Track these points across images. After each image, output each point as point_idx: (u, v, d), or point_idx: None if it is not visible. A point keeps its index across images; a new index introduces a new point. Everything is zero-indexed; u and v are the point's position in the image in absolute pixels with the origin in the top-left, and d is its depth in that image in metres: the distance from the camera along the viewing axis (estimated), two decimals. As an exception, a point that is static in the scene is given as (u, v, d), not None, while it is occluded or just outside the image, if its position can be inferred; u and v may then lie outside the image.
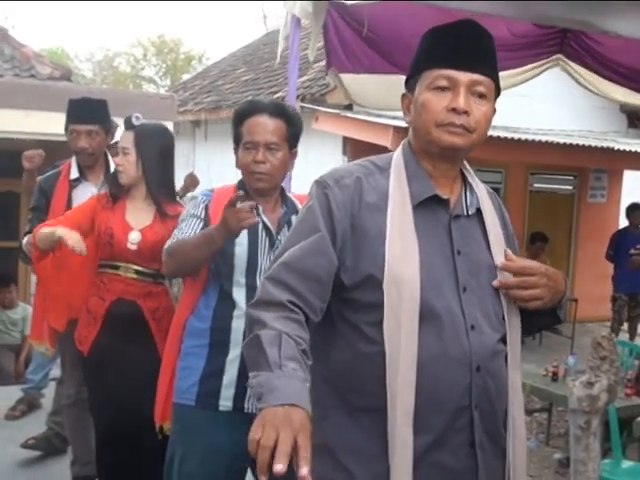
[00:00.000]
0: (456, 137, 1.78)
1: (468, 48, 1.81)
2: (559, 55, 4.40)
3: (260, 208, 2.68)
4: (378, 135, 7.67)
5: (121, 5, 50.75)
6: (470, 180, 1.93)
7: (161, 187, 3.38)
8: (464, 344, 1.75)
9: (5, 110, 6.57)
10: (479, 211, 1.90)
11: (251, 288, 2.59)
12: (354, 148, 8.76)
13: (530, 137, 7.84)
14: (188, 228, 2.67)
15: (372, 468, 1.74)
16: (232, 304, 2.61)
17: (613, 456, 4.32)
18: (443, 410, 1.74)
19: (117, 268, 3.35)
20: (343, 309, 1.80)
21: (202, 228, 2.65)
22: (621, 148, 8.57)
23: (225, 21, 51.70)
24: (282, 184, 2.79)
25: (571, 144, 8.18)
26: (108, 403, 3.34)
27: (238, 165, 2.72)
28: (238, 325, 2.58)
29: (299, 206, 2.74)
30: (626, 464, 4.37)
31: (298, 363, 1.59)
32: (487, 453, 1.81)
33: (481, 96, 1.79)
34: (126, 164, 3.34)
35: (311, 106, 8.49)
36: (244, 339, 1.84)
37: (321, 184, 1.84)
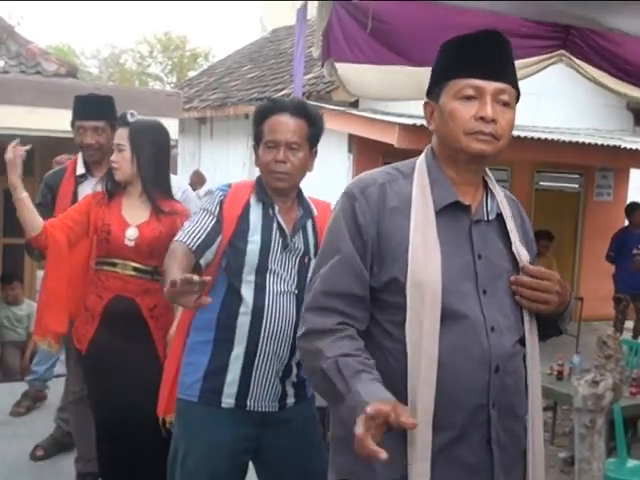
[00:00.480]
0: (484, 144, 1.84)
1: (494, 58, 1.87)
2: (562, 51, 4.37)
3: (276, 208, 2.68)
4: (384, 133, 7.67)
5: (127, 2, 50.79)
6: (491, 186, 1.99)
7: (156, 184, 3.38)
8: (484, 345, 1.82)
9: (11, 106, 6.58)
10: (499, 216, 1.96)
11: (260, 287, 2.61)
12: (359, 145, 8.77)
13: (536, 135, 7.83)
14: (198, 222, 2.65)
15: (392, 463, 1.75)
16: (239, 300, 2.61)
17: (618, 455, 4.31)
18: (462, 408, 1.81)
19: (115, 265, 3.34)
20: (371, 308, 1.87)
21: (214, 226, 2.63)
22: (628, 146, 8.55)
23: (231, 18, 51.71)
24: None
25: (577, 142, 8.17)
26: (107, 401, 3.35)
27: (258, 163, 2.72)
28: (244, 321, 2.60)
29: (315, 212, 2.77)
30: (631, 463, 4.37)
31: (363, 372, 1.72)
32: (505, 450, 1.87)
33: (505, 104, 1.86)
34: (121, 161, 3.34)
35: (316, 103, 8.47)
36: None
37: (347, 195, 1.91)
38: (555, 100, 9.53)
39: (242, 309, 2.61)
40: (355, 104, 9.07)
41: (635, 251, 8.36)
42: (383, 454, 1.51)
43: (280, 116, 2.66)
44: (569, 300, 1.97)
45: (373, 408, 1.55)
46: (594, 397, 3.57)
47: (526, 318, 1.92)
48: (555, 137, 8.16)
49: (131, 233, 3.30)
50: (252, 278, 2.62)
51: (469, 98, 1.84)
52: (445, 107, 1.86)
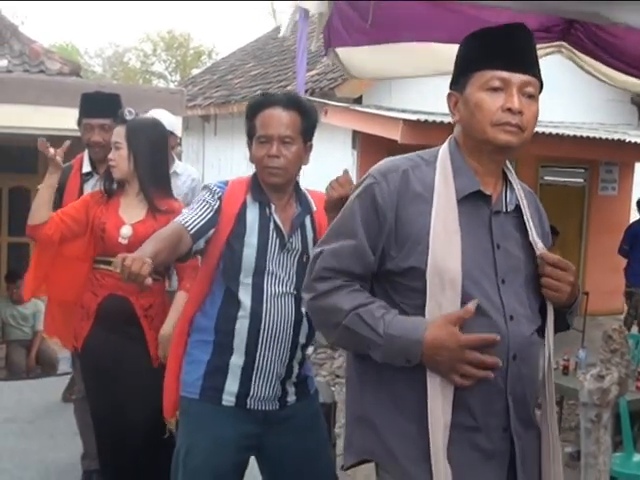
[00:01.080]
0: (511, 136, 1.86)
1: (520, 50, 1.91)
2: (562, 42, 4.34)
3: (272, 207, 2.64)
4: (388, 128, 7.66)
5: (131, 1, 50.79)
6: (510, 178, 2.01)
7: (153, 182, 3.35)
8: (503, 332, 1.83)
9: (15, 105, 6.59)
10: (517, 208, 1.98)
11: (257, 289, 2.60)
12: (363, 142, 8.76)
13: (541, 130, 7.82)
14: (197, 210, 2.61)
15: (411, 447, 1.84)
16: (237, 304, 2.60)
17: (624, 449, 4.31)
18: (481, 394, 1.82)
19: (110, 264, 3.29)
20: (388, 290, 1.90)
21: (212, 217, 2.59)
22: (632, 140, 8.53)
23: (234, 16, 51.69)
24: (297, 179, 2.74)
25: (582, 136, 8.15)
26: (102, 398, 3.36)
27: (251, 159, 2.68)
28: (242, 325, 2.59)
29: (314, 207, 2.73)
30: (637, 457, 4.37)
31: (386, 314, 1.82)
32: (521, 438, 1.90)
33: (530, 96, 1.88)
34: (118, 159, 3.33)
35: (320, 100, 8.48)
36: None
37: (368, 178, 1.94)
38: (559, 95, 9.48)
39: (240, 313, 2.59)
40: (359, 100, 9.06)
41: None
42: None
43: (272, 110, 2.62)
44: (578, 294, 2.01)
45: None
46: (600, 391, 3.57)
47: (548, 307, 1.96)
48: (560, 131, 8.14)
49: (125, 231, 3.29)
50: (249, 281, 2.60)
51: (495, 89, 1.86)
52: (471, 98, 1.88)
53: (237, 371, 2.61)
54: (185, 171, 4.61)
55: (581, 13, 3.94)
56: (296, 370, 2.70)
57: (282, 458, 2.72)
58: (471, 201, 1.91)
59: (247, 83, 12.61)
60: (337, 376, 7.46)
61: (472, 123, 1.89)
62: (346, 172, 2.52)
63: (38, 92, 6.73)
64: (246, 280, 2.60)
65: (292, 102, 2.67)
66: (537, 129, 7.69)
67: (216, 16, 45.03)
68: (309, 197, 2.77)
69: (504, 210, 1.96)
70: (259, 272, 2.60)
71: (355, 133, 8.85)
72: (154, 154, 3.38)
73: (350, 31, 4.26)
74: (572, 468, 4.98)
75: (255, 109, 2.65)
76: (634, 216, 9.29)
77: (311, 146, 2.74)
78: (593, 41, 4.35)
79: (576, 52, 4.41)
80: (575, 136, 8.11)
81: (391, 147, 7.97)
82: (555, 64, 4.76)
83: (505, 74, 1.86)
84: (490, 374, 1.78)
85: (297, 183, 2.76)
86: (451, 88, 1.95)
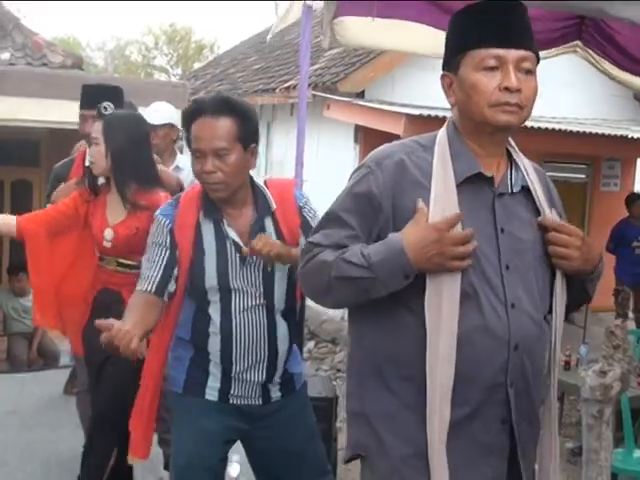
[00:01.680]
0: (511, 116, 1.79)
1: (512, 24, 1.81)
2: (578, 42, 4.36)
3: (225, 223, 2.53)
4: (390, 123, 7.64)
5: (132, -6, 50.72)
6: (515, 157, 1.93)
7: (134, 177, 3.27)
8: (503, 321, 1.78)
9: (18, 98, 6.58)
10: (524, 189, 1.90)
11: (225, 308, 2.53)
12: (366, 136, 8.74)
13: (543, 125, 7.80)
14: (152, 261, 2.54)
15: (405, 437, 1.81)
16: (208, 320, 2.55)
17: (625, 445, 4.31)
18: (479, 385, 1.78)
19: (102, 260, 3.36)
20: None
21: (168, 259, 2.52)
22: (635, 136, 8.51)
23: (236, 10, 51.59)
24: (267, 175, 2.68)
25: (585, 132, 8.13)
26: (96, 389, 3.42)
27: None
28: (214, 341, 2.55)
29: (273, 205, 2.57)
30: (638, 453, 4.36)
31: (361, 246, 1.78)
32: (521, 431, 1.85)
33: (528, 72, 1.80)
34: (96, 154, 3.27)
35: (323, 94, 8.47)
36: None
37: (362, 167, 1.89)
38: (562, 89, 9.47)
39: (211, 329, 2.55)
40: (361, 95, 9.04)
41: (635, 243, 8.33)
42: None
43: (203, 119, 2.43)
44: (598, 262, 1.94)
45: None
46: (602, 387, 3.56)
47: (556, 291, 1.90)
48: (562, 127, 8.12)
49: (107, 235, 3.27)
50: (217, 298, 2.53)
51: (491, 68, 1.78)
52: (466, 79, 1.80)
53: (217, 377, 2.59)
54: (187, 165, 4.61)
55: (586, 9, 3.94)
56: (279, 372, 2.64)
57: (269, 451, 2.70)
58: (472, 184, 1.84)
59: (249, 77, 12.59)
60: (338, 370, 7.48)
61: (469, 105, 1.81)
62: (261, 235, 2.45)
63: (40, 85, 6.72)
64: (214, 298, 2.53)
65: (222, 106, 2.45)
66: (539, 124, 7.72)
67: (218, 9, 44.97)
68: (267, 194, 2.59)
69: (509, 191, 1.88)
70: (224, 291, 2.52)
71: (357, 127, 8.84)
72: (133, 149, 3.29)
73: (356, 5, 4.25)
74: (573, 464, 4.99)
75: (188, 119, 2.47)
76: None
77: (254, 149, 2.53)
78: (604, 38, 4.37)
79: (590, 51, 4.43)
80: (578, 132, 8.09)
81: (393, 141, 7.98)
82: (558, 60, 4.75)
83: (500, 51, 1.77)
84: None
85: (252, 182, 2.59)
86: (444, 69, 1.88)
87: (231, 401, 2.61)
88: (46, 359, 7.36)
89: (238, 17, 49.12)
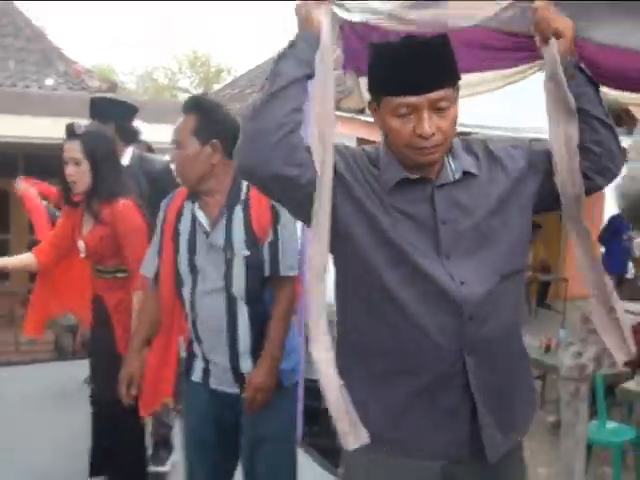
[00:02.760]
0: (429, 156, 1.69)
1: (423, 69, 1.63)
2: (542, 61, 4.32)
3: (196, 205, 2.45)
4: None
5: (159, 25, 50.97)
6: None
7: (105, 191, 3.11)
8: (453, 294, 1.69)
9: (61, 118, 6.61)
10: (467, 174, 1.77)
11: (192, 287, 2.46)
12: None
13: (524, 135, 7.76)
14: (152, 245, 2.62)
15: (377, 405, 1.76)
16: (183, 300, 2.52)
17: (599, 418, 4.31)
18: (435, 355, 1.70)
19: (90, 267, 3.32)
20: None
21: (159, 244, 2.55)
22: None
23: (250, 37, 51.70)
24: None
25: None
26: (92, 390, 3.46)
27: None
28: (190, 319, 2.49)
29: (243, 195, 2.42)
30: (610, 425, 4.37)
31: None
32: (490, 396, 1.75)
33: (443, 109, 1.65)
34: (80, 174, 3.08)
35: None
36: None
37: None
38: (532, 101, 9.39)
39: (187, 309, 2.51)
40: (362, 111, 9.03)
41: (625, 236, 8.37)
42: None
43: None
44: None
45: None
46: (578, 367, 3.57)
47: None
48: (540, 136, 8.08)
49: (80, 245, 3.20)
50: (188, 279, 2.47)
51: (405, 114, 1.65)
52: (384, 120, 1.69)
53: (199, 355, 2.54)
54: None
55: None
56: (245, 359, 2.45)
57: (246, 442, 2.54)
58: (407, 185, 1.73)
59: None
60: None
61: (390, 140, 1.72)
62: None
63: (80, 107, 6.74)
64: (186, 279, 2.48)
65: (189, 104, 2.42)
66: (519, 135, 7.66)
67: (234, 37, 45.03)
68: (243, 186, 2.44)
69: (452, 180, 1.75)
70: (193, 271, 2.45)
71: (359, 140, 8.82)
72: (110, 164, 3.17)
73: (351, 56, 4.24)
74: (554, 435, 4.99)
75: None
76: (608, 208, 9.26)
77: (216, 145, 2.38)
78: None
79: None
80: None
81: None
82: (536, 75, 4.73)
83: (412, 99, 1.63)
84: None
85: (236, 179, 2.43)
86: (370, 94, 1.75)
87: (211, 384, 2.52)
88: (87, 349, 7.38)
89: (252, 44, 49.16)
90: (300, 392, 3.62)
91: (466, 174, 1.77)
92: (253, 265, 2.39)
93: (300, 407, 3.97)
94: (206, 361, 2.52)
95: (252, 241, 2.39)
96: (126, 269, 3.18)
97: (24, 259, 3.38)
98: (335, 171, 1.72)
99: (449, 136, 1.70)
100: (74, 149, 3.08)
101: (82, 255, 3.21)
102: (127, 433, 3.30)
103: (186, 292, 2.49)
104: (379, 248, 1.72)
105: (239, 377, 2.48)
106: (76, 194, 3.17)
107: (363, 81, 4.49)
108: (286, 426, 2.58)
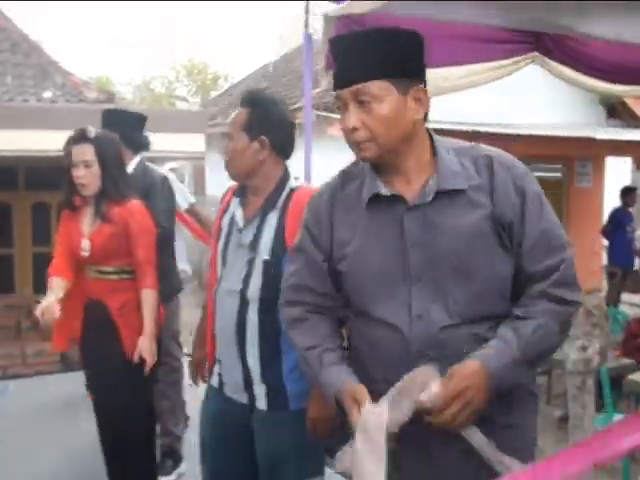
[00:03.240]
0: (362, 152, 1.68)
1: (347, 63, 1.64)
2: (535, 53, 4.30)
3: (236, 201, 2.44)
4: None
5: (156, 36, 51.13)
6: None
7: (114, 193, 3.16)
8: (402, 330, 1.66)
9: (60, 132, 6.61)
10: (452, 192, 1.66)
11: (218, 283, 2.44)
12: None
13: (518, 131, 7.76)
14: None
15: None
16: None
17: (606, 410, 4.30)
18: (383, 387, 1.63)
19: (83, 270, 3.24)
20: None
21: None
22: (601, 137, 8.49)
23: (245, 45, 51.82)
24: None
25: (557, 136, 8.11)
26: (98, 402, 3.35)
27: None
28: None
29: (280, 203, 2.36)
30: (617, 418, 4.35)
31: (325, 364, 1.76)
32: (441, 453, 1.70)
33: (367, 102, 1.62)
34: (90, 177, 3.11)
35: (326, 114, 8.46)
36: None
37: (310, 199, 1.88)
38: (528, 95, 9.37)
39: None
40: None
41: (628, 228, 8.40)
42: None
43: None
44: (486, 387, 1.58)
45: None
46: (583, 361, 3.57)
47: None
48: (538, 132, 8.09)
49: (84, 245, 3.17)
50: (220, 274, 2.44)
51: (341, 109, 1.68)
52: None
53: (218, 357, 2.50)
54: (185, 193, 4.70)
55: (552, 26, 3.92)
56: (256, 372, 2.33)
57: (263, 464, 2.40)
58: (381, 203, 1.71)
59: (261, 102, 12.58)
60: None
61: None
62: None
63: (79, 118, 6.73)
64: (219, 275, 2.45)
65: (245, 98, 2.40)
66: (517, 131, 7.67)
67: (230, 45, 45.13)
68: (283, 193, 2.37)
69: (428, 200, 1.66)
70: (223, 266, 2.42)
71: (358, 142, 8.84)
72: (119, 167, 3.22)
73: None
74: (561, 430, 4.97)
75: None
76: (607, 203, 9.30)
77: (263, 141, 2.33)
78: (561, 48, 4.34)
79: (547, 60, 4.39)
80: (553, 135, 8.06)
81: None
82: (531, 70, 4.72)
83: (339, 92, 1.65)
84: None
85: (282, 180, 2.39)
86: None
87: (225, 391, 2.44)
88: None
89: (247, 51, 49.30)
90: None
91: (451, 192, 1.66)
92: (273, 272, 2.26)
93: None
94: (219, 367, 2.48)
95: (280, 248, 2.29)
96: (130, 270, 3.17)
97: (59, 286, 3.20)
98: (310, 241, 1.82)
99: (378, 133, 1.63)
100: (85, 152, 3.11)
101: (85, 254, 3.16)
102: (137, 444, 3.27)
103: (215, 291, 2.45)
104: (348, 276, 1.75)
105: (251, 389, 2.37)
106: (84, 196, 3.18)
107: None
108: (296, 452, 2.34)
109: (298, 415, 2.26)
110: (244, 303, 2.32)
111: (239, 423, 2.40)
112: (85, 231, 3.19)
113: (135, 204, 3.21)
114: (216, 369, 2.50)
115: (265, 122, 2.33)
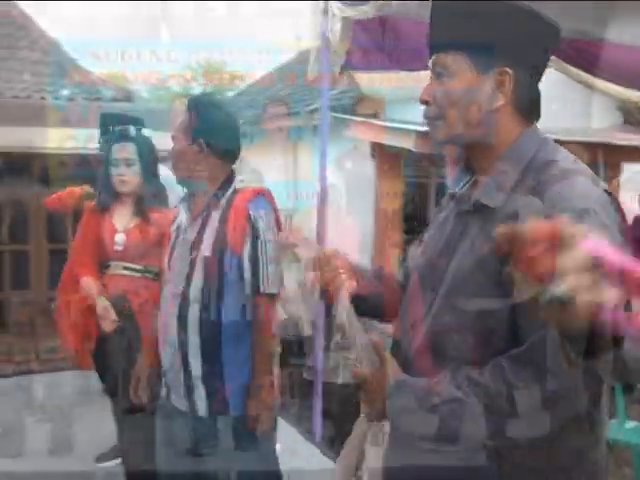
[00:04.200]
0: (432, 130, 1.56)
1: (432, 30, 1.52)
2: (553, 57, 4.30)
3: (183, 205, 2.48)
4: (402, 139, 7.63)
5: (172, 35, 51.32)
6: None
7: (153, 192, 3.26)
8: (396, 336, 1.63)
9: (78, 129, 6.66)
10: (482, 206, 1.47)
11: (164, 285, 2.52)
12: (381, 151, 8.73)
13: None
14: None
15: None
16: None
17: (618, 417, 4.27)
18: None
19: (108, 267, 3.29)
20: None
21: None
22: (618, 143, 8.44)
23: (262, 46, 52.03)
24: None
25: (572, 141, 8.07)
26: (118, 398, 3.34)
27: None
28: None
29: (223, 202, 2.40)
30: (629, 424, 4.32)
31: None
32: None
33: (441, 75, 1.49)
34: (130, 174, 3.22)
35: (342, 115, 8.47)
36: None
37: None
38: (547, 101, 9.35)
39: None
40: (376, 115, 9.03)
41: None
42: None
43: None
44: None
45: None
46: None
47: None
48: (555, 137, 8.05)
49: (119, 238, 3.23)
50: (165, 280, 2.48)
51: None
52: None
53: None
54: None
55: (568, 31, 3.92)
56: (196, 376, 2.33)
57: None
58: (453, 201, 1.62)
59: (277, 103, 12.60)
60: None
61: None
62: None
63: (96, 116, 6.78)
64: (165, 278, 2.48)
65: (190, 102, 2.46)
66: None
67: (246, 46, 45.29)
68: (227, 194, 2.42)
69: (470, 208, 1.50)
70: (169, 270, 2.45)
71: (374, 144, 8.83)
72: (157, 166, 3.32)
73: (366, 57, 4.25)
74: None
75: None
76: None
77: (201, 144, 2.39)
78: (578, 53, 4.33)
79: (564, 64, 4.38)
80: (567, 141, 8.03)
81: (406, 155, 7.96)
82: (548, 75, 4.70)
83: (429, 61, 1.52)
84: None
85: (225, 183, 2.45)
86: None
87: (171, 399, 2.43)
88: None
89: (263, 53, 49.62)
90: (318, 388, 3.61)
91: (484, 206, 1.46)
92: (214, 270, 2.31)
93: (319, 407, 3.97)
94: (166, 375, 2.45)
95: (221, 246, 2.32)
96: (155, 271, 3.21)
97: (95, 287, 3.28)
98: None
99: (447, 112, 1.48)
100: (128, 150, 3.20)
101: (119, 249, 3.21)
102: None
103: (163, 294, 2.47)
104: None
105: (191, 392, 2.36)
106: (122, 193, 3.24)
107: (370, 76, 4.50)
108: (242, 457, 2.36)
109: (238, 421, 2.30)
110: (185, 304, 2.34)
111: (184, 430, 2.39)
112: (119, 227, 3.25)
113: (162, 214, 3.25)
114: (163, 380, 2.49)
115: (203, 125, 2.36)
